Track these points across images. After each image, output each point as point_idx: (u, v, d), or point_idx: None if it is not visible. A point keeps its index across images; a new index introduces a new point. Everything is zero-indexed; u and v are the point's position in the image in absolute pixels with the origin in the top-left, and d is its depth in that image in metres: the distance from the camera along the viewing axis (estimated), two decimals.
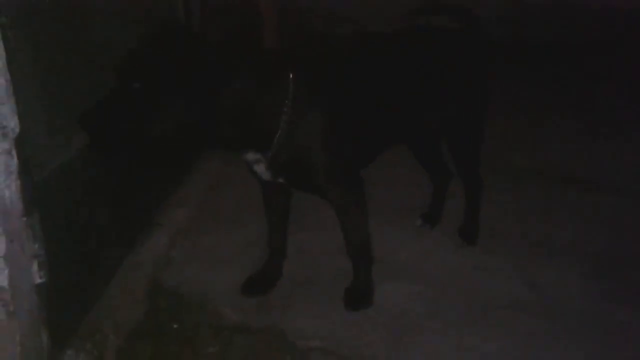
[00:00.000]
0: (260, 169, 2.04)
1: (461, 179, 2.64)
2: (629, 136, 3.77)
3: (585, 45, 4.92)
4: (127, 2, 2.40)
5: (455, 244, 2.67)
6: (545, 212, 2.94)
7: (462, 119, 2.43)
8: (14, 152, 1.64)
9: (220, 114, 1.81)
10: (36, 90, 1.77)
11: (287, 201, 2.34)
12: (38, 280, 1.78)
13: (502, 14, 4.75)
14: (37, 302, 1.79)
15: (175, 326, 2.23)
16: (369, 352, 2.08)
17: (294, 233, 2.47)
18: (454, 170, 2.69)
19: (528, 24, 5.05)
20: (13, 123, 1.62)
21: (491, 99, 2.54)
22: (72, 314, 2.04)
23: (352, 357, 2.07)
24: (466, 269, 2.52)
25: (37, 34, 1.81)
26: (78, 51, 2.05)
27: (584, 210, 2.95)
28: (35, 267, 1.76)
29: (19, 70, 1.65)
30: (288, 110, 1.90)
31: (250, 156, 2.01)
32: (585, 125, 3.93)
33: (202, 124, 1.79)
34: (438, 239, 2.74)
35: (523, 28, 5.01)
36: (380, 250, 2.52)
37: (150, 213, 2.66)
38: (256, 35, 4.17)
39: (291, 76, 1.90)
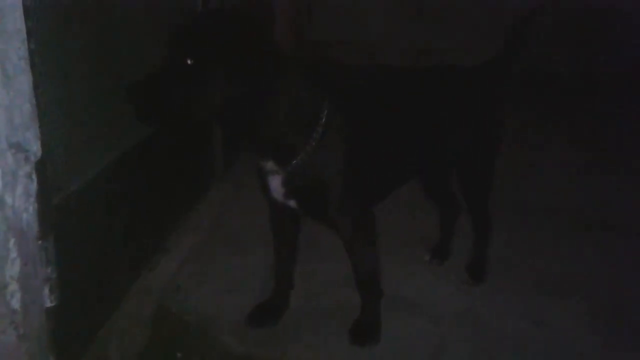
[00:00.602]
0: (275, 184, 2.02)
1: (471, 214, 2.64)
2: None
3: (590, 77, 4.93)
4: (150, 24, 2.42)
5: (461, 280, 2.67)
6: (551, 250, 2.93)
7: (476, 154, 2.45)
8: (34, 176, 1.66)
9: (260, 111, 1.82)
10: (59, 115, 1.80)
11: (296, 229, 2.33)
12: (49, 304, 1.79)
13: None
14: (46, 325, 1.79)
15: (179, 355, 2.22)
16: None
17: (300, 262, 2.46)
18: (463, 204, 2.69)
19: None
20: (35, 147, 1.65)
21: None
22: (80, 338, 2.04)
23: None
24: (474, 306, 2.51)
25: (65, 60, 1.84)
26: (102, 76, 2.07)
27: (592, 249, 2.95)
28: (46, 290, 1.77)
29: (44, 96, 1.68)
30: (316, 134, 1.91)
31: (270, 166, 1.98)
32: (592, 162, 3.95)
33: (242, 115, 1.80)
34: (444, 273, 2.73)
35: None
36: (384, 283, 2.50)
37: (159, 238, 2.67)
38: None
39: (326, 101, 1.92)
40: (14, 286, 1.62)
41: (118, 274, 2.30)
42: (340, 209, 2.04)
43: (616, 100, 4.76)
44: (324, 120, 1.91)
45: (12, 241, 1.60)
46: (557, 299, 2.55)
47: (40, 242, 1.71)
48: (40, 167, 1.69)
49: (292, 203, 2.06)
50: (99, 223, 2.11)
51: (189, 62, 1.71)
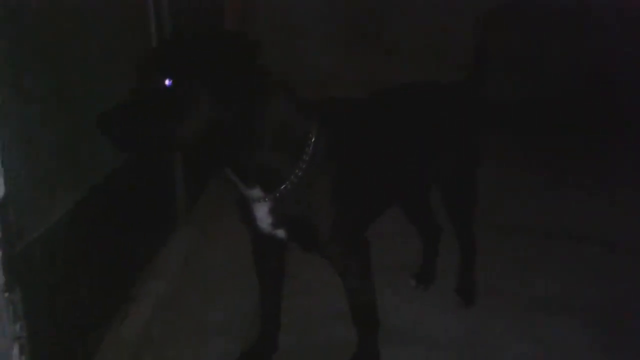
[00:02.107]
0: (261, 213, 1.85)
1: (456, 235, 2.56)
2: (612, 191, 3.79)
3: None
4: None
5: (452, 303, 2.56)
6: (537, 267, 2.88)
7: (460, 172, 2.39)
8: None
9: (247, 135, 1.68)
10: (21, 151, 1.58)
11: (281, 262, 2.15)
12: None
13: None
14: None
15: None
16: None
17: (287, 297, 2.28)
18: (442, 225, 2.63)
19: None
20: None
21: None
22: None
23: None
24: (470, 330, 2.40)
25: (23, 94, 1.64)
26: (62, 112, 1.88)
27: (575, 263, 2.91)
28: (16, 350, 1.53)
29: (3, 130, 1.48)
30: (305, 158, 1.77)
31: (256, 193, 1.82)
32: (554, 180, 3.98)
33: (227, 139, 1.66)
34: (433, 298, 2.62)
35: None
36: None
37: (125, 286, 2.43)
38: None
39: (314, 124, 1.80)
40: None
41: (88, 327, 2.06)
42: (332, 236, 1.89)
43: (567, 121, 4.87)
44: (312, 143, 1.79)
45: None
46: (552, 316, 2.49)
47: (7, 294, 1.48)
48: (3, 209, 1.47)
49: (280, 233, 1.90)
50: (63, 272, 1.88)
51: (167, 83, 1.54)
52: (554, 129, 4.73)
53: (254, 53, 1.63)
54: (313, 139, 1.78)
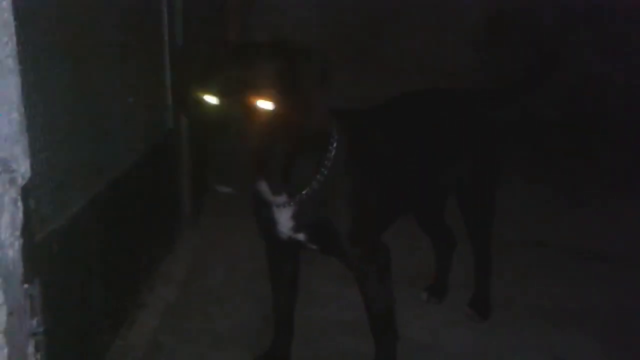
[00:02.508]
0: (284, 217, 1.81)
1: (473, 247, 2.50)
2: (611, 205, 3.79)
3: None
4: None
5: (465, 317, 2.50)
6: (546, 281, 2.83)
7: (478, 183, 2.34)
8: (20, 204, 1.36)
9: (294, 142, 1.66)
10: (44, 133, 1.50)
11: (296, 268, 2.09)
12: None
13: None
14: None
15: None
16: None
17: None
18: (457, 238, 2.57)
19: None
20: (24, 168, 1.35)
21: None
22: None
23: None
24: (487, 345, 2.33)
25: (56, 68, 1.58)
26: (84, 99, 1.81)
27: (585, 278, 2.88)
28: (31, 348, 1.43)
29: (33, 107, 1.40)
30: (327, 162, 1.74)
31: (281, 199, 1.77)
32: (562, 195, 3.96)
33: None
34: (448, 311, 2.55)
35: None
36: None
37: (134, 292, 2.33)
38: None
39: (335, 131, 1.77)
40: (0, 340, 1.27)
41: (99, 331, 1.95)
42: (352, 238, 1.84)
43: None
44: (334, 148, 1.76)
45: None
46: (564, 327, 2.45)
47: (26, 286, 1.38)
48: (26, 193, 1.38)
49: (300, 236, 1.85)
50: (78, 268, 1.79)
51: (266, 106, 1.48)
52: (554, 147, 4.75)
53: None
54: (335, 144, 1.76)
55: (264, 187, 1.75)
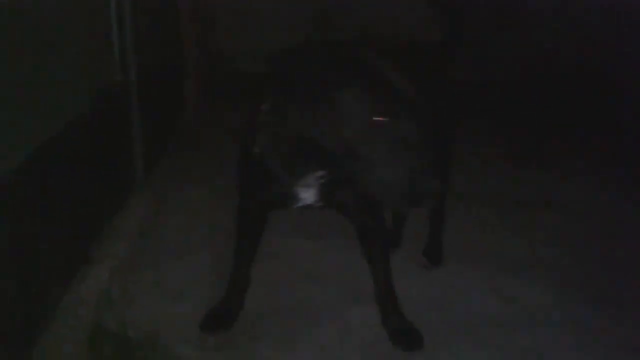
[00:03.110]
0: (309, 194, 1.83)
1: None
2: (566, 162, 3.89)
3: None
4: None
5: (419, 266, 2.55)
6: (500, 231, 2.91)
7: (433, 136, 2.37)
8: None
9: None
10: None
11: (263, 229, 2.11)
12: None
13: None
14: None
15: None
16: None
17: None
18: None
19: None
20: None
21: None
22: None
23: None
24: (438, 290, 2.39)
25: None
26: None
27: (533, 227, 2.96)
28: None
29: None
30: None
31: (312, 177, 1.79)
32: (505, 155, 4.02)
33: None
34: (401, 261, 2.59)
35: None
36: (343, 274, 2.42)
37: (83, 246, 2.31)
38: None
39: None
40: None
41: (47, 287, 1.94)
42: (372, 209, 1.96)
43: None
44: None
45: None
46: (519, 276, 2.51)
47: None
48: None
49: (320, 203, 1.89)
50: (24, 221, 1.75)
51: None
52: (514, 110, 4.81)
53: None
54: None
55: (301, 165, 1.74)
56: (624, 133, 4.33)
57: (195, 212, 2.90)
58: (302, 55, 1.67)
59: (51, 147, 1.96)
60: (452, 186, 2.80)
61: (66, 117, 2.11)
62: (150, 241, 2.63)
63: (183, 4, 4.13)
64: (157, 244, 2.62)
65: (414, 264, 2.56)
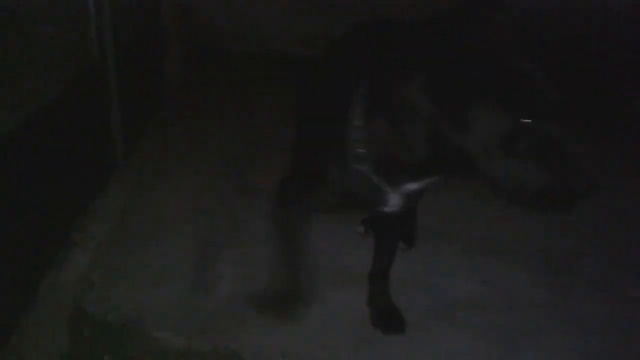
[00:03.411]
0: (396, 200, 1.76)
1: None
2: None
3: None
4: None
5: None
6: (479, 214, 2.88)
7: None
8: None
9: None
10: None
11: None
12: None
13: None
14: None
15: (106, 358, 1.89)
16: None
17: (233, 246, 2.30)
18: None
19: None
20: None
21: None
22: None
23: None
24: (417, 272, 2.40)
25: None
26: None
27: (514, 211, 2.95)
28: None
29: None
30: None
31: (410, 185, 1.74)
32: None
33: None
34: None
35: None
36: (327, 259, 2.40)
37: (66, 230, 2.28)
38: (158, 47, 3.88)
39: None
40: None
41: (27, 271, 1.91)
42: None
43: None
44: None
45: None
46: (494, 257, 2.53)
47: None
48: None
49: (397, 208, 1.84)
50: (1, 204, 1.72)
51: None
52: None
53: None
54: None
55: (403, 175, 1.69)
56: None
57: (177, 194, 2.86)
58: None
59: (27, 129, 1.92)
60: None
61: (42, 98, 2.06)
62: (132, 224, 2.60)
63: None
64: (139, 227, 2.59)
65: None
